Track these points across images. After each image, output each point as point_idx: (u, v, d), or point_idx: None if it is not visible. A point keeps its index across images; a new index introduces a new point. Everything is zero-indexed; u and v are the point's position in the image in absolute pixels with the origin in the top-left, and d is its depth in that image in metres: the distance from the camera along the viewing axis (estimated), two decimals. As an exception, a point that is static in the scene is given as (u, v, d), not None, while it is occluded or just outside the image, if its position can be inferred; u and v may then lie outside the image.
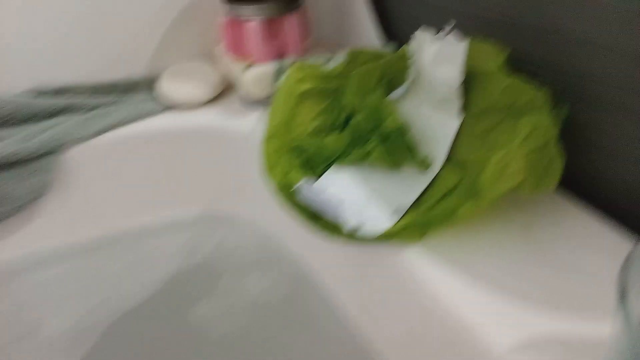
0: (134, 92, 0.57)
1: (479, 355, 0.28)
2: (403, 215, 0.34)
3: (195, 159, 0.56)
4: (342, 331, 0.42)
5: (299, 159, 0.40)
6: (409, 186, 0.38)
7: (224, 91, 0.57)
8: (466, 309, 0.29)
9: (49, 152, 0.52)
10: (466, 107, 0.38)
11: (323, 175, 0.38)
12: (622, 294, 0.19)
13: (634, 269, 0.20)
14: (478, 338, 0.28)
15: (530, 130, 0.31)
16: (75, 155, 0.52)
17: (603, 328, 0.24)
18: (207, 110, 0.54)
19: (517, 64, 0.37)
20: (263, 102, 0.53)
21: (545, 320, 0.28)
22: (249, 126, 0.51)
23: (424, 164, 0.38)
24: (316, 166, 0.39)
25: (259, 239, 0.55)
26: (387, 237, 0.34)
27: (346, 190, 0.38)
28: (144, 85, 0.57)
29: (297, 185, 0.35)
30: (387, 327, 0.38)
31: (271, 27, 0.52)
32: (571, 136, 0.35)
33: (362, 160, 0.39)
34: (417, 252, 0.33)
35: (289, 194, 0.39)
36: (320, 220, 0.37)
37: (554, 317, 0.28)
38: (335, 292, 0.45)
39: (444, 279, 0.31)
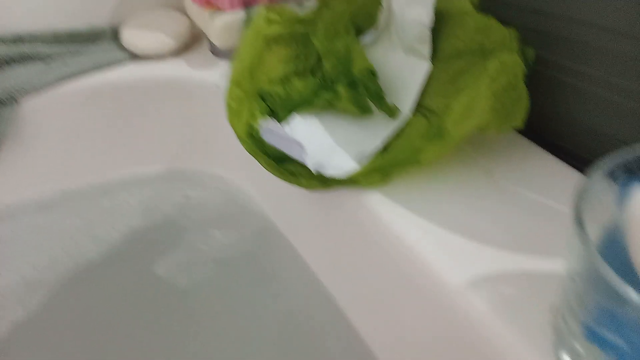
0: (98, 41, 0.54)
1: (437, 292, 0.28)
2: (368, 161, 0.33)
3: (161, 112, 0.54)
4: (308, 282, 0.42)
5: (264, 106, 0.39)
6: (375, 133, 0.37)
7: (193, 41, 0.55)
8: (425, 248, 0.29)
9: (3, 103, 0.49)
10: (437, 50, 0.37)
11: (289, 120, 0.37)
12: (579, 221, 0.19)
13: (587, 198, 0.20)
14: (436, 275, 0.28)
15: (498, 69, 0.30)
16: (33, 106, 0.50)
17: (559, 264, 0.24)
18: (173, 61, 0.52)
19: (484, 5, 0.36)
20: (232, 52, 0.52)
21: (502, 257, 0.28)
22: (217, 77, 0.50)
23: (393, 111, 0.37)
24: (283, 113, 0.38)
25: (225, 195, 0.54)
26: (351, 182, 0.34)
27: (312, 135, 0.37)
28: (109, 35, 0.55)
29: (261, 125, 0.34)
30: (350, 274, 0.38)
31: (241, -25, 0.51)
32: (536, 76, 0.35)
33: (329, 105, 0.38)
34: (380, 197, 0.33)
35: (253, 142, 0.37)
36: (283, 167, 0.36)
37: (511, 254, 0.28)
38: (301, 244, 0.45)
39: (405, 221, 0.31)
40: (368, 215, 0.33)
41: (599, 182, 0.20)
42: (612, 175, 0.21)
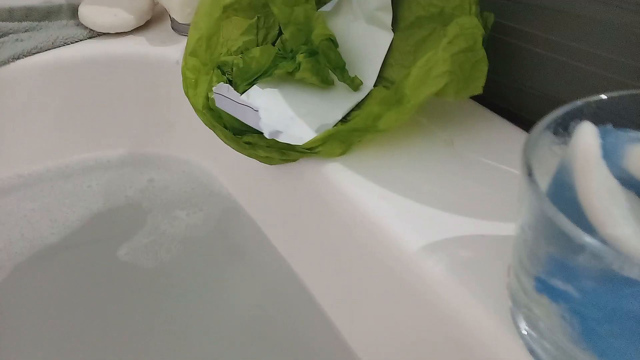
0: (55, 18, 0.52)
1: (395, 258, 0.27)
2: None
3: (121, 92, 0.52)
4: (273, 259, 0.41)
5: (223, 77, 0.38)
6: (337, 105, 0.36)
7: (155, 18, 0.54)
8: (383, 216, 0.29)
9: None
10: (398, 19, 0.36)
11: (247, 90, 0.36)
12: (527, 170, 0.18)
13: (534, 149, 0.19)
14: (393, 241, 0.28)
15: (456, 33, 0.30)
16: (-14, 84, 0.49)
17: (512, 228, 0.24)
18: (134, 38, 0.51)
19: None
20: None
21: (460, 222, 0.27)
22: (178, 54, 0.49)
23: (355, 83, 0.37)
24: (241, 84, 0.37)
25: (190, 178, 0.52)
26: (310, 152, 0.33)
27: (271, 106, 0.36)
28: (66, 11, 0.53)
29: (215, 90, 0.33)
30: (313, 247, 0.37)
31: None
32: (494, 42, 0.34)
33: (289, 76, 0.37)
34: (339, 166, 0.32)
35: (210, 114, 0.36)
36: (241, 139, 0.35)
37: (469, 219, 0.28)
38: (265, 222, 0.44)
39: (363, 190, 0.31)
40: (328, 186, 0.33)
41: (545, 134, 0.20)
42: (557, 127, 0.21)
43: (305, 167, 0.35)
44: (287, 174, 0.38)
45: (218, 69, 0.38)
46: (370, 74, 0.37)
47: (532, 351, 0.21)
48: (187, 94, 0.37)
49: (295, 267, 0.40)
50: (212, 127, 0.36)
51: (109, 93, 0.52)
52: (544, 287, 0.19)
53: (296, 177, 0.36)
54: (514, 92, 0.36)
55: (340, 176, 0.32)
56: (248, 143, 0.35)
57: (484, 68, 0.30)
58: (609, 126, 0.19)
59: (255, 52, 0.37)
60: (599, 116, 0.20)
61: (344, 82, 0.36)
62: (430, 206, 0.29)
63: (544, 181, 0.20)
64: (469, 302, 0.23)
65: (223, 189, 0.50)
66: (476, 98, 0.35)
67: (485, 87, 0.31)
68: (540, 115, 0.20)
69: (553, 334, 0.18)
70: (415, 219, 0.28)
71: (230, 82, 0.38)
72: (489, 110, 0.36)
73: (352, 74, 0.37)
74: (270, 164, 0.36)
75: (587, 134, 0.16)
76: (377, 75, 0.37)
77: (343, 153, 0.33)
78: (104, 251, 0.46)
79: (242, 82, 0.37)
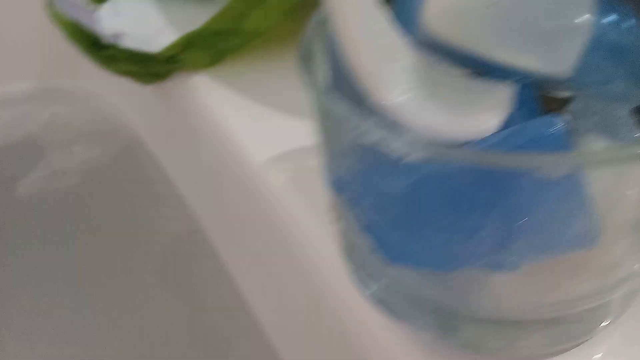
0: None
1: (243, 169, 0.25)
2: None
3: (23, 19, 0.49)
4: (170, 192, 0.38)
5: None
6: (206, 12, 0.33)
7: None
8: (236, 130, 0.26)
9: None
10: None
11: (111, 1, 0.33)
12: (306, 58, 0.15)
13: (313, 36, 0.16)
14: (243, 155, 0.25)
15: None
16: None
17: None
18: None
19: None
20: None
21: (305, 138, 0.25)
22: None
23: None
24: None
25: (94, 112, 0.49)
26: (171, 61, 0.30)
27: (140, 15, 0.32)
28: None
29: None
30: (196, 172, 0.35)
31: None
32: None
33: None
34: (205, 79, 0.29)
35: (73, 26, 0.33)
36: (103, 53, 0.32)
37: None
38: (162, 153, 0.41)
39: (225, 102, 0.28)
40: (193, 101, 0.30)
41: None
42: None
43: (176, 84, 0.32)
44: (166, 95, 0.35)
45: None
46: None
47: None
48: (47, 8, 0.34)
49: (188, 198, 0.37)
50: (74, 40, 0.33)
51: (8, 20, 0.49)
52: (338, 190, 0.16)
53: (176, 97, 0.34)
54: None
55: (204, 89, 0.29)
56: (110, 57, 0.32)
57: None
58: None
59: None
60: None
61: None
62: (289, 118, 0.26)
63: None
64: (303, 211, 0.21)
65: (129, 123, 0.48)
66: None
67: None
68: None
69: (349, 233, 0.16)
70: (269, 131, 0.26)
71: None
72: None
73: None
74: (141, 82, 0.33)
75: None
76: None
77: (212, 63, 0.30)
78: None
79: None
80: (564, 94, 0.17)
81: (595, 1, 0.12)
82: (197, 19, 0.32)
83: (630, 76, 0.14)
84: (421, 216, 0.13)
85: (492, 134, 0.13)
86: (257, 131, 0.26)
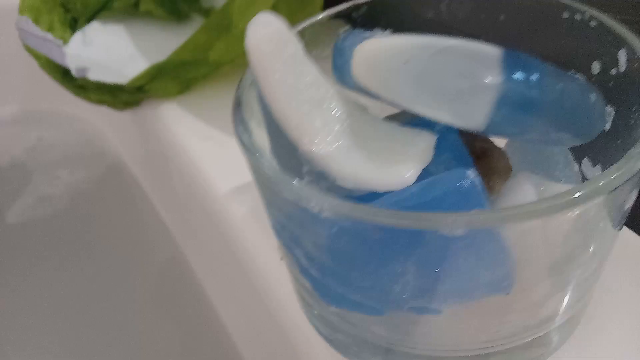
0: None
1: (208, 198, 0.26)
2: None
3: (7, 43, 0.49)
4: (152, 214, 0.39)
5: (65, 15, 0.35)
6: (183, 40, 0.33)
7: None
8: (202, 158, 0.26)
9: None
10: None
11: (84, 28, 0.34)
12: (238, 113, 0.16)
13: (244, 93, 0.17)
14: (208, 184, 0.26)
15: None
16: None
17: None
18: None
19: None
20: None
21: None
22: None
23: (209, 13, 0.34)
24: (82, 21, 0.34)
25: (79, 135, 0.50)
26: (139, 91, 0.30)
27: (112, 44, 0.33)
28: None
29: (16, 24, 0.30)
30: (172, 197, 0.36)
31: None
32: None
33: (133, 8, 0.34)
34: (173, 106, 0.30)
35: (44, 60, 0.34)
36: (74, 81, 0.32)
37: None
38: (143, 177, 0.42)
39: (191, 130, 0.28)
40: (163, 128, 0.30)
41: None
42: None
43: (148, 110, 0.32)
44: (146, 123, 0.35)
45: (61, 6, 0.35)
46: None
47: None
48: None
49: (168, 220, 0.38)
50: (47, 70, 0.33)
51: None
52: (278, 235, 0.17)
53: (148, 123, 0.34)
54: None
55: (173, 117, 0.30)
56: (81, 86, 0.32)
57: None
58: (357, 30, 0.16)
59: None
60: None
61: (195, 12, 0.34)
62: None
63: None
64: (261, 244, 0.22)
65: (112, 146, 0.48)
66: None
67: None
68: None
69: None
70: (235, 159, 0.26)
71: (75, 20, 0.35)
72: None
73: (206, 4, 0.34)
74: (115, 109, 0.34)
75: (256, 27, 0.13)
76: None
77: (180, 92, 0.30)
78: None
79: (82, 18, 0.34)
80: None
81: (503, 60, 0.13)
82: (166, 48, 0.33)
83: (548, 124, 0.14)
84: (346, 264, 0.14)
85: (409, 186, 0.13)
86: (221, 161, 0.26)
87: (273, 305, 0.21)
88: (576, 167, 0.18)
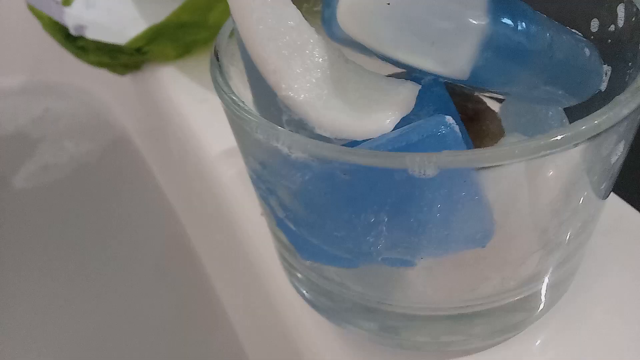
0: None
1: (200, 160, 0.26)
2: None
3: (17, 13, 0.50)
4: (153, 184, 0.40)
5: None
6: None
7: None
8: (197, 122, 0.27)
9: None
10: None
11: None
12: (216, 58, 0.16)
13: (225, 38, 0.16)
14: (202, 146, 0.26)
15: None
16: None
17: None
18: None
19: None
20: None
21: None
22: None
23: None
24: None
25: (86, 107, 0.51)
26: (138, 53, 0.30)
27: (115, 5, 0.33)
28: None
29: None
30: (172, 165, 0.35)
31: None
32: None
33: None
34: (171, 70, 0.30)
35: (49, 18, 0.34)
36: (75, 43, 0.32)
37: None
38: (146, 147, 0.42)
39: (186, 96, 0.28)
40: (160, 92, 0.30)
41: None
42: None
43: (147, 75, 0.32)
44: (146, 89, 0.35)
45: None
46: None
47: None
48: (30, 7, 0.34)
49: (167, 189, 0.39)
50: (50, 31, 0.33)
51: (4, 16, 0.50)
52: (252, 180, 0.16)
53: (148, 89, 0.34)
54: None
55: (171, 81, 0.30)
56: (81, 47, 0.32)
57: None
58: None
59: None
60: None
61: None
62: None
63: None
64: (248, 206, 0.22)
65: (118, 119, 0.48)
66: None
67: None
68: None
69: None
70: (218, 127, 0.26)
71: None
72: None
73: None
74: (115, 72, 0.34)
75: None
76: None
77: (179, 56, 0.30)
78: None
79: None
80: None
81: (490, 2, 0.12)
82: (168, 11, 0.33)
83: (536, 76, 0.14)
84: (318, 212, 0.13)
85: (387, 133, 0.13)
86: (216, 124, 0.26)
87: (259, 273, 0.21)
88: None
